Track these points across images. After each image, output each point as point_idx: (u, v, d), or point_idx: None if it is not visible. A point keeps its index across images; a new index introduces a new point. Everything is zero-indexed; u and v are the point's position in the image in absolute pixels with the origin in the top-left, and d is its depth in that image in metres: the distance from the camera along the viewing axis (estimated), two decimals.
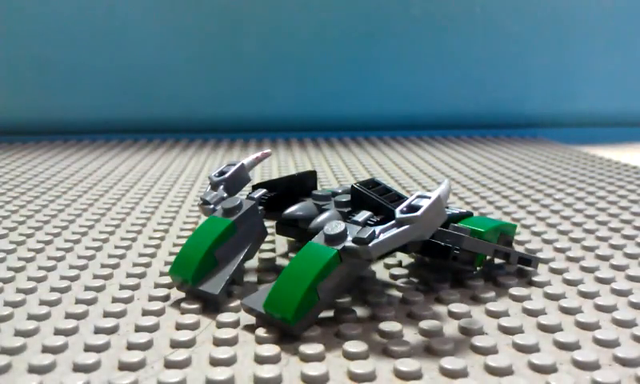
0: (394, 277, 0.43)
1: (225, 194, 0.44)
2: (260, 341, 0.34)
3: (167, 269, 0.43)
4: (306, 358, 0.32)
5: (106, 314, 0.37)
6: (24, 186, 0.74)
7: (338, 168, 0.87)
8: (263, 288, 0.38)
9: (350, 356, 0.32)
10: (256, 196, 0.44)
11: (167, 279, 0.42)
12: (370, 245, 0.33)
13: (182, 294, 0.40)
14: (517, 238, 0.51)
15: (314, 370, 0.30)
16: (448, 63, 1.19)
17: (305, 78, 1.17)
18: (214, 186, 0.45)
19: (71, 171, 0.84)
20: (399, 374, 0.30)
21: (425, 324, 0.35)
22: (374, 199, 0.40)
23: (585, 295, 0.40)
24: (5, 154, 0.98)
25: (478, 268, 0.43)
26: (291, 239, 0.51)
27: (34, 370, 0.31)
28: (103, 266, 0.46)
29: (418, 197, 0.34)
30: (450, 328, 0.36)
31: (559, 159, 0.93)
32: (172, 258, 0.45)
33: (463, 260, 0.41)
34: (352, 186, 0.42)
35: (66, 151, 1.02)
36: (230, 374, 0.30)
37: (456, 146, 1.08)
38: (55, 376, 0.30)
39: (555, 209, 0.62)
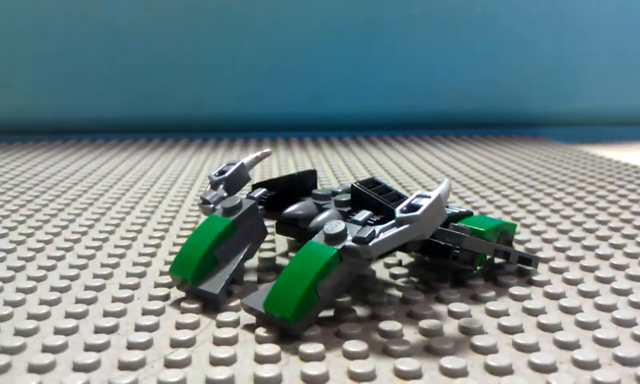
0: (394, 276, 0.43)
1: (225, 194, 0.44)
2: (260, 340, 0.34)
3: (167, 268, 0.43)
4: (306, 358, 0.32)
5: (106, 314, 0.37)
6: (24, 186, 0.74)
7: (338, 167, 0.87)
8: (263, 287, 0.38)
9: (350, 355, 0.32)
10: (256, 195, 0.44)
11: (167, 279, 0.42)
12: (370, 244, 0.33)
13: (182, 294, 0.40)
14: (517, 237, 0.51)
15: (313, 369, 0.30)
16: (448, 62, 1.19)
17: (305, 77, 1.17)
18: (214, 186, 0.45)
19: (71, 171, 0.84)
20: (399, 374, 0.30)
21: (425, 323, 0.35)
22: (374, 198, 0.40)
23: (585, 294, 0.40)
24: (4, 154, 0.98)
25: (478, 267, 0.43)
26: (291, 238, 0.51)
27: (33, 369, 0.31)
28: (103, 265, 0.46)
29: (418, 196, 0.34)
30: (450, 327, 0.36)
31: (559, 158, 0.93)
32: (172, 258, 0.45)
33: (463, 259, 0.41)
34: (352, 185, 0.42)
35: (65, 151, 1.02)
36: (230, 373, 0.30)
37: (456, 146, 1.08)
38: (55, 375, 0.30)
39: (555, 208, 0.62)
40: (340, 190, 0.46)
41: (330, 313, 0.37)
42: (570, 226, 0.56)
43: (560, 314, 0.37)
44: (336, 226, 0.35)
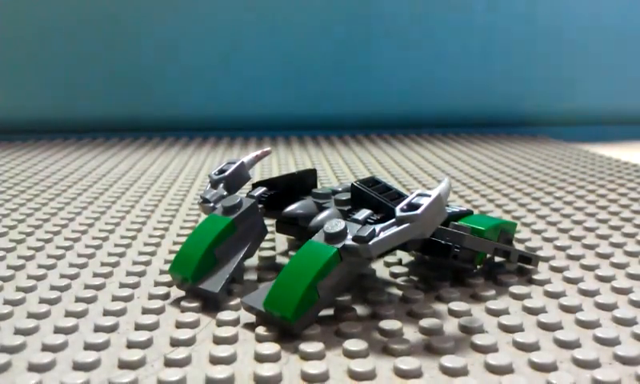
0: (394, 275, 0.43)
1: (225, 193, 0.44)
2: (260, 339, 0.34)
3: (167, 267, 0.43)
4: (306, 357, 0.32)
5: (106, 313, 0.37)
6: (24, 185, 0.74)
7: (338, 166, 0.87)
8: (263, 286, 0.38)
9: (350, 354, 0.32)
10: (256, 194, 0.44)
11: (167, 277, 0.42)
12: (370, 243, 0.33)
13: (182, 293, 0.40)
14: (517, 236, 0.51)
15: (314, 368, 0.30)
16: (448, 61, 1.19)
17: (305, 75, 1.17)
18: (214, 185, 0.45)
19: (71, 169, 0.84)
20: (399, 373, 0.30)
21: (425, 322, 0.35)
22: (374, 197, 0.40)
23: (585, 293, 0.40)
24: (4, 153, 0.98)
25: (478, 266, 0.43)
26: (291, 237, 0.51)
27: (33, 368, 0.31)
28: (103, 264, 0.46)
29: (418, 195, 0.34)
30: (450, 326, 0.36)
31: (559, 157, 0.93)
32: (172, 257, 0.45)
33: (463, 258, 0.41)
34: (352, 184, 0.42)
35: (65, 149, 1.02)
36: (230, 372, 0.30)
37: (456, 144, 1.08)
38: (55, 374, 0.30)
39: (555, 207, 0.62)
40: (340, 189, 0.46)
41: (330, 312, 0.37)
42: (571, 225, 0.56)
43: (560, 312, 0.37)
44: (336, 225, 0.35)
